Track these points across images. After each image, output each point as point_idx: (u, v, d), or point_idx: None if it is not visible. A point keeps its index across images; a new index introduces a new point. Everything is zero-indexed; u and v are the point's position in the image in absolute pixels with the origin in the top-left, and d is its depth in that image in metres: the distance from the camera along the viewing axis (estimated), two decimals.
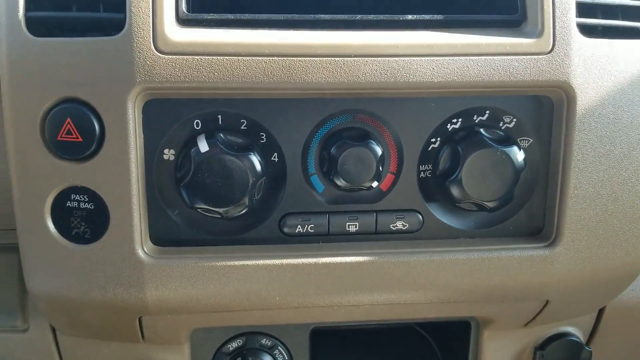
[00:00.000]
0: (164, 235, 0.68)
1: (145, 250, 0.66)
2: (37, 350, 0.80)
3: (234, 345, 0.81)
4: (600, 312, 0.86)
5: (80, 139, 0.62)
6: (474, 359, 0.85)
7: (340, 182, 0.66)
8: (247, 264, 0.66)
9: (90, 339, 0.79)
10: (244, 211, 0.65)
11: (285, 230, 0.68)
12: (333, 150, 0.65)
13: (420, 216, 0.70)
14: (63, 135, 0.62)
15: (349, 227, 0.69)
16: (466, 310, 0.78)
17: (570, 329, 0.86)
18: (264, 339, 0.81)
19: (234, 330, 0.81)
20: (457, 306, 0.75)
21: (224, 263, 0.66)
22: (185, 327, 0.76)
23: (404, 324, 0.92)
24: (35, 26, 0.62)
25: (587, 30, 0.66)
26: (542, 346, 0.85)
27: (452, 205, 0.69)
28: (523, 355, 0.86)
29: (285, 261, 0.67)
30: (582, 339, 0.86)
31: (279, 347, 0.82)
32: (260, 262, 0.66)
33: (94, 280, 0.66)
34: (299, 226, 0.68)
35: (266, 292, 0.67)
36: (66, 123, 0.62)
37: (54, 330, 0.80)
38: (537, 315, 0.77)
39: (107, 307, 0.67)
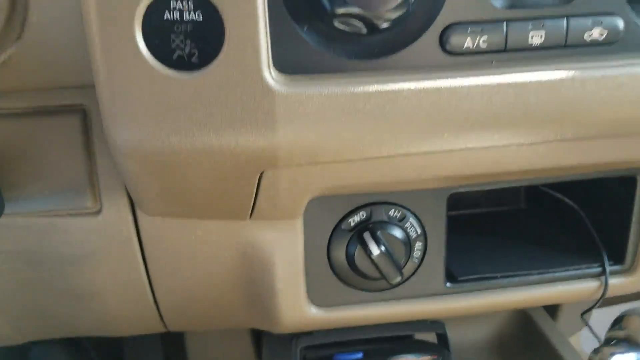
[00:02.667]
0: (289, 61, 0.51)
1: (273, 76, 0.50)
2: (113, 235, 0.64)
3: (356, 219, 0.66)
4: None
5: None
6: None
7: None
8: (402, 87, 0.51)
9: (180, 217, 0.64)
10: (402, 13, 0.48)
11: (448, 47, 0.52)
12: None
13: (621, 21, 0.54)
14: None
15: (532, 39, 0.53)
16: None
17: None
18: (392, 210, 0.66)
19: (356, 201, 0.66)
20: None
21: (371, 88, 0.50)
22: (304, 193, 0.60)
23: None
24: None
25: None
26: None
27: None
28: None
29: (448, 81, 0.51)
30: None
31: (411, 219, 0.66)
32: (418, 84, 0.51)
33: (205, 119, 0.49)
34: (469, 39, 0.52)
35: (417, 126, 0.52)
36: None
37: (133, 210, 0.64)
38: None
39: (222, 158, 0.51)
